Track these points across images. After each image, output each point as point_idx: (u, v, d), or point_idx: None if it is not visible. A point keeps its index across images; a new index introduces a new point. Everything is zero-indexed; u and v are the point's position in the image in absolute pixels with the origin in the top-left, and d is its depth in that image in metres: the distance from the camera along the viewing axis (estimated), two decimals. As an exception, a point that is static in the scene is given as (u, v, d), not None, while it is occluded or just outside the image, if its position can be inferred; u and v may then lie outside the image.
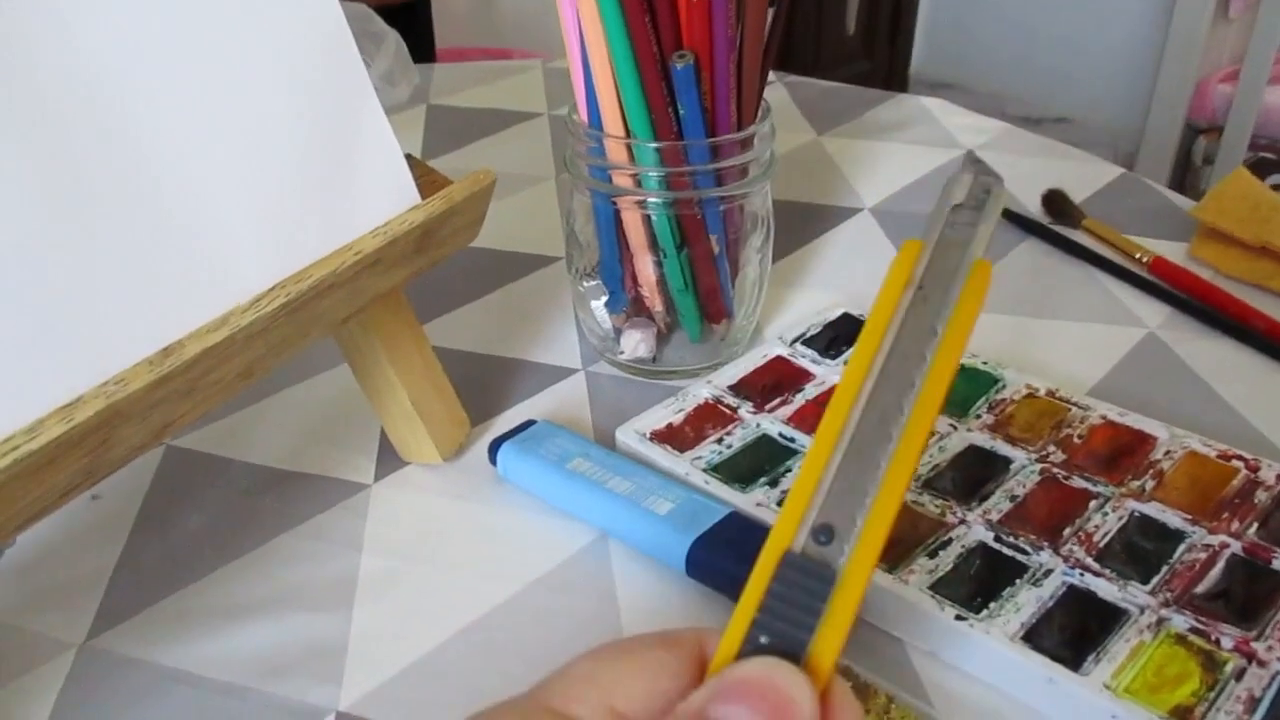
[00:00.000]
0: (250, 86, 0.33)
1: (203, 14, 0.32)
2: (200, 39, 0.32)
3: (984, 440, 0.44)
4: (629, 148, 0.45)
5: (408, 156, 0.39)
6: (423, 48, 1.71)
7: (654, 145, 0.44)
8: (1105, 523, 0.39)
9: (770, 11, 0.45)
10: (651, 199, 0.46)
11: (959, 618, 0.35)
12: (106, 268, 0.29)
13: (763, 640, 0.22)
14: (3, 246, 0.27)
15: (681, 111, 0.44)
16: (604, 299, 0.50)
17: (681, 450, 0.44)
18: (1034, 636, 0.35)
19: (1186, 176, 2.10)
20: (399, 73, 0.76)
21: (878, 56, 2.67)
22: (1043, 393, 0.46)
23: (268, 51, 0.34)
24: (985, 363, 0.48)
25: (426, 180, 0.39)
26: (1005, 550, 0.38)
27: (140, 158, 0.30)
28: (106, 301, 0.29)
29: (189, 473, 0.46)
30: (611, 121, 0.45)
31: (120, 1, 0.30)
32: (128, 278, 0.30)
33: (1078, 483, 0.41)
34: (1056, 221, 0.64)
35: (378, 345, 0.41)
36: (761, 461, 0.43)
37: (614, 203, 0.47)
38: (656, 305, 0.49)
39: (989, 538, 0.39)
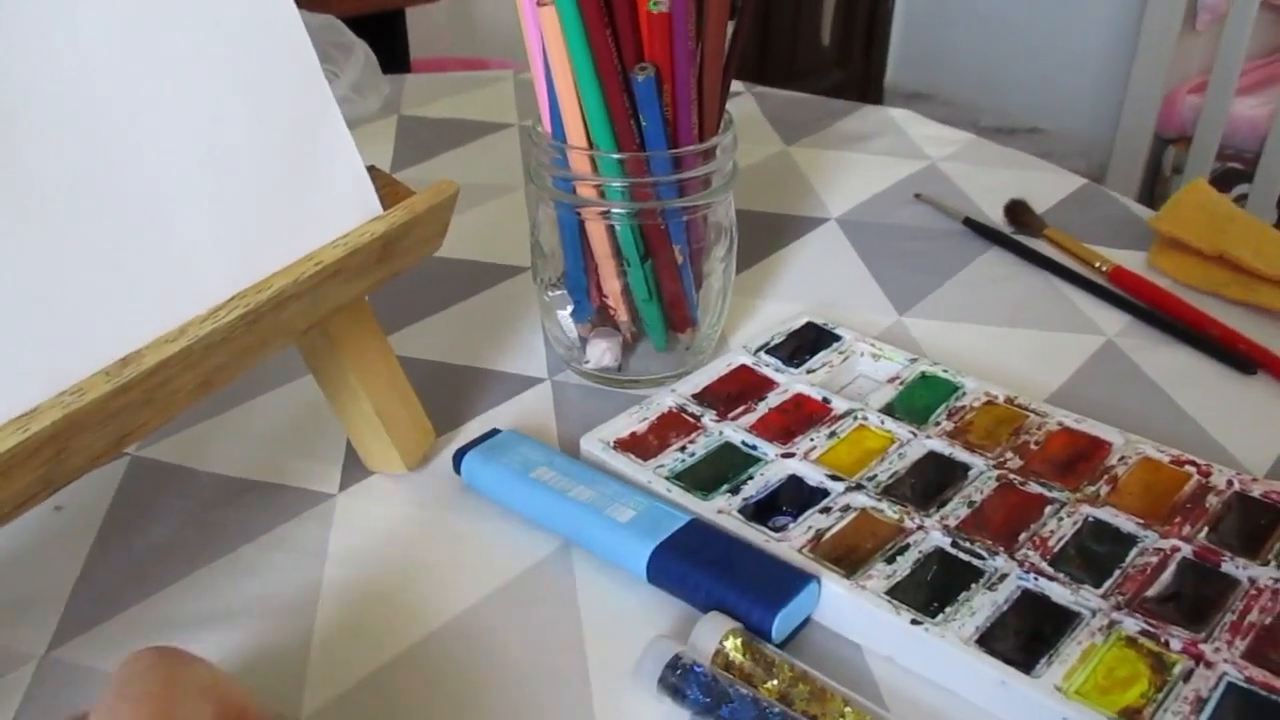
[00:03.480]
0: (209, 96, 0.34)
1: (161, 25, 0.32)
2: (159, 49, 0.32)
3: (943, 447, 0.44)
4: (592, 159, 0.45)
5: (370, 167, 0.39)
6: (397, 58, 1.71)
7: (616, 156, 0.45)
8: (1060, 528, 0.40)
9: (731, 24, 0.45)
10: (615, 209, 0.46)
11: (915, 622, 0.36)
12: (64, 276, 0.29)
13: None
14: (-42, 258, 0.27)
15: (644, 123, 0.44)
16: (569, 309, 0.50)
17: (645, 458, 0.44)
18: (988, 640, 0.35)
19: (1156, 186, 2.12)
20: (368, 84, 0.76)
21: (853, 67, 2.69)
22: (1001, 400, 0.47)
23: (227, 62, 0.34)
24: (945, 370, 0.49)
25: (389, 191, 0.39)
26: (962, 555, 0.39)
27: (99, 166, 0.31)
28: (64, 310, 0.29)
29: (152, 483, 0.46)
30: (574, 133, 0.45)
31: (82, 8, 0.30)
32: (86, 286, 0.30)
33: (1034, 488, 0.42)
34: (1018, 231, 0.65)
35: (341, 355, 0.41)
36: (724, 469, 0.44)
37: (578, 213, 0.47)
38: (621, 315, 0.50)
39: (946, 543, 0.39)
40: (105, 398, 0.29)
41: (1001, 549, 0.39)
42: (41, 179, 0.29)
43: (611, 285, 0.49)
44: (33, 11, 0.29)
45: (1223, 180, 1.99)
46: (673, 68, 0.43)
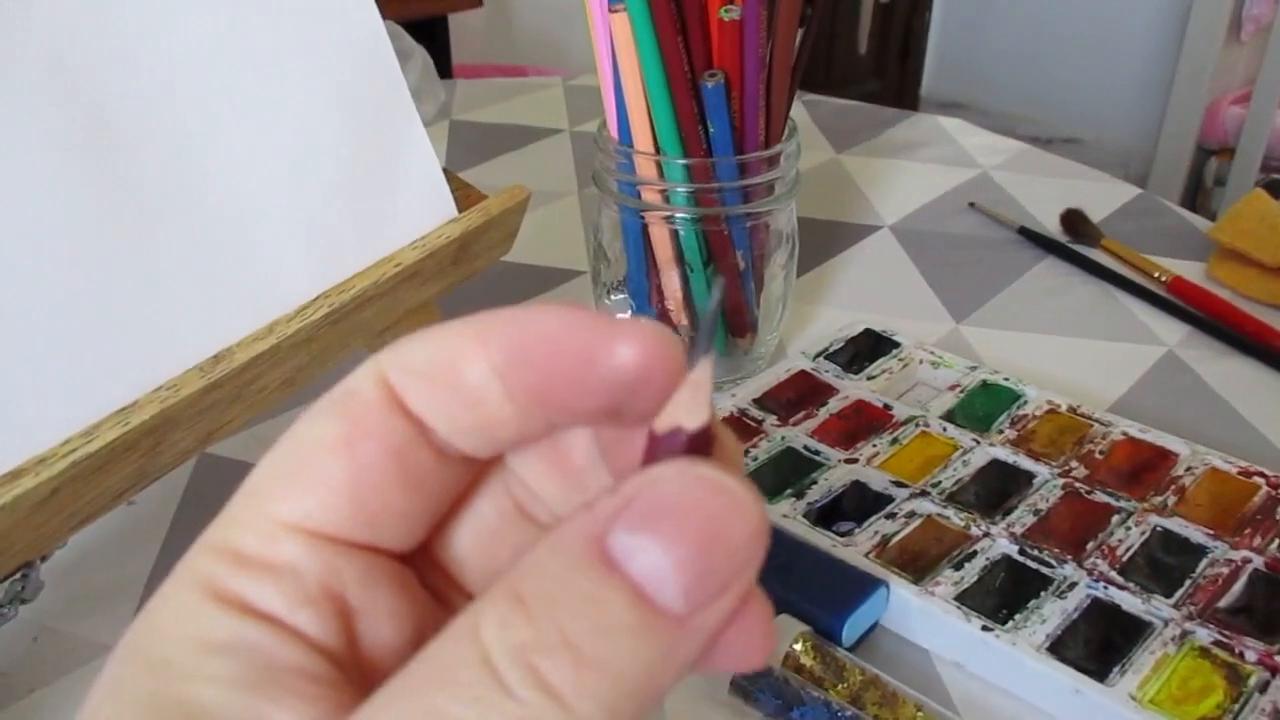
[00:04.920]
0: (296, 101, 0.34)
1: (251, 32, 0.33)
2: (249, 57, 0.33)
3: (1006, 455, 0.44)
4: (658, 164, 0.46)
5: (444, 171, 0.39)
6: (440, 64, 1.73)
7: (683, 162, 0.45)
8: (1128, 537, 0.40)
9: (799, 32, 0.46)
10: (679, 215, 0.47)
11: (985, 628, 0.36)
12: (161, 276, 0.30)
13: None
14: (63, 256, 0.28)
15: (711, 129, 0.45)
16: (630, 312, 0.51)
17: (708, 462, 0.44)
18: (1059, 648, 0.35)
19: (1198, 198, 2.11)
20: (425, 89, 0.77)
21: (889, 76, 2.69)
22: (1064, 409, 0.47)
23: (313, 67, 0.35)
24: (1007, 379, 0.49)
25: (462, 194, 0.40)
26: (1030, 563, 0.39)
27: (193, 171, 0.31)
28: (160, 309, 0.30)
29: (221, 479, 0.46)
30: (641, 138, 0.45)
31: (175, 19, 0.31)
32: (180, 286, 0.31)
33: (1100, 497, 0.42)
34: (1075, 240, 0.64)
35: (411, 356, 0.42)
36: (787, 474, 0.44)
37: (642, 218, 0.47)
38: (682, 320, 0.50)
39: (1013, 550, 0.39)
40: (198, 394, 0.30)
41: (1069, 557, 0.39)
42: (136, 184, 0.30)
43: (673, 290, 0.49)
44: (128, 24, 0.30)
45: (1267, 192, 1.97)
46: (742, 75, 0.44)
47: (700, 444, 0.15)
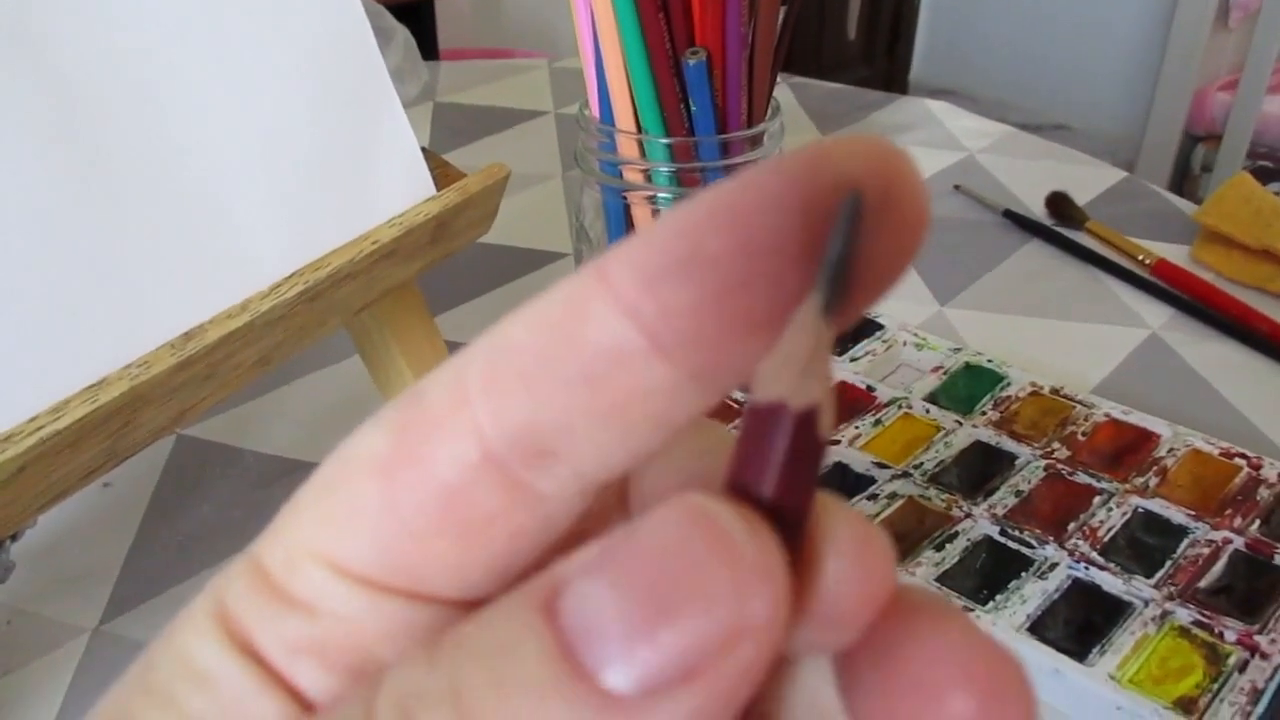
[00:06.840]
0: (272, 76, 0.34)
1: (226, 8, 0.33)
2: (224, 30, 0.33)
3: (989, 436, 0.44)
4: (640, 143, 0.45)
5: (423, 149, 0.39)
6: (425, 47, 1.72)
7: (665, 141, 0.45)
8: (1109, 518, 0.40)
9: (782, 10, 0.45)
10: (662, 194, 0.46)
11: (965, 609, 0.36)
12: (131, 252, 0.30)
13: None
14: (31, 230, 0.28)
15: (693, 108, 0.44)
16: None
17: (690, 444, 0.44)
18: (1039, 628, 0.35)
19: (1185, 184, 2.11)
20: (408, 70, 0.76)
21: (878, 62, 2.68)
22: (1047, 391, 0.47)
23: (289, 42, 0.34)
24: (990, 360, 0.49)
25: (441, 173, 0.39)
26: (1011, 544, 0.39)
27: (165, 145, 0.31)
28: (131, 285, 0.30)
29: (200, 462, 0.46)
30: (623, 117, 0.45)
31: (145, -10, 0.30)
32: (152, 262, 0.30)
33: (1082, 479, 0.42)
34: (1060, 223, 0.64)
35: (390, 337, 0.41)
36: (769, 455, 0.44)
37: (624, 198, 0.47)
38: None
39: (995, 531, 0.39)
40: (170, 371, 0.29)
41: (1051, 538, 0.39)
42: (109, 156, 0.30)
43: (656, 271, 0.49)
44: (101, -13, 0.29)
45: (1254, 178, 1.97)
46: (724, 52, 0.43)
47: (808, 430, 0.11)
